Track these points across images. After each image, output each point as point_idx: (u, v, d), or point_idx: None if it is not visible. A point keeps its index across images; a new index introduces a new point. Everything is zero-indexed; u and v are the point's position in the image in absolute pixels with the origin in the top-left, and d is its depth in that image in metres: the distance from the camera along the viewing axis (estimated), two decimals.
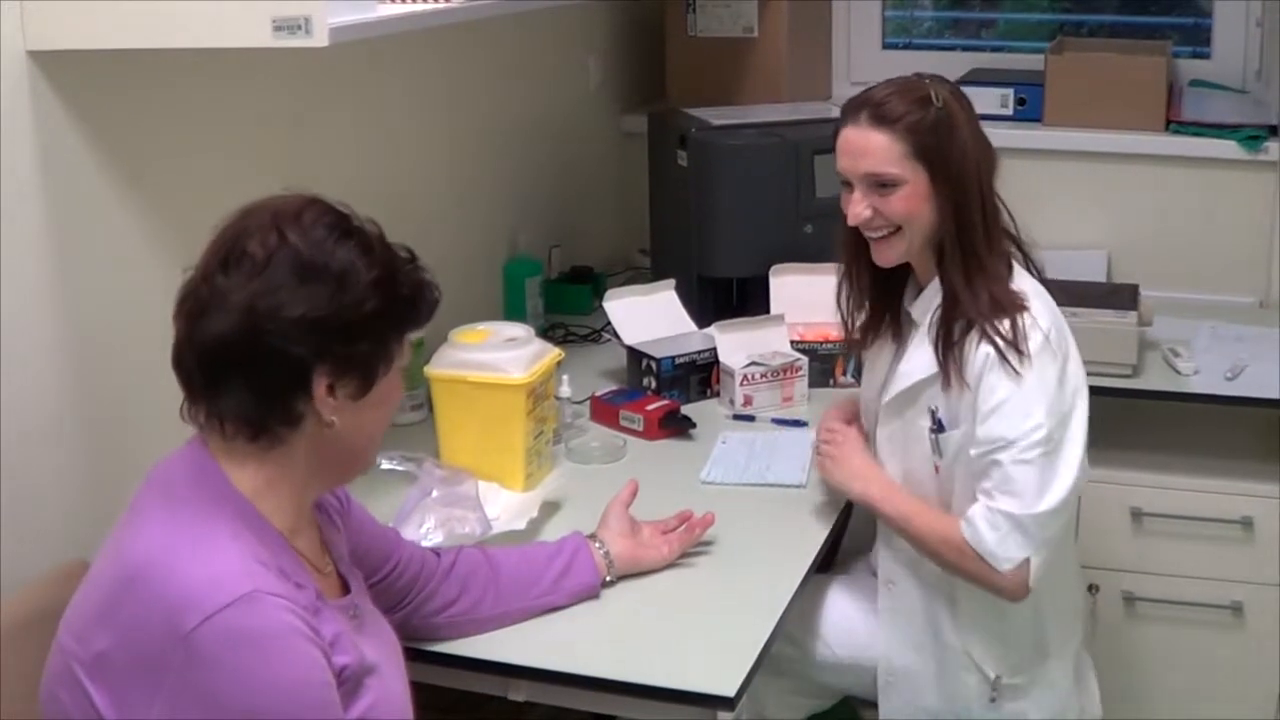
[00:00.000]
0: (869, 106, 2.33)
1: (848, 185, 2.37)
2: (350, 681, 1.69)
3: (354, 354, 1.68)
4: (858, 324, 2.53)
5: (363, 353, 1.69)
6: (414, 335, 1.81)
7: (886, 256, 2.39)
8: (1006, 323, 2.28)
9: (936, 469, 2.40)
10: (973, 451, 2.30)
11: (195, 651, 1.53)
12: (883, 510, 2.44)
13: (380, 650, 1.82)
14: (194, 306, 1.67)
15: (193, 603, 1.54)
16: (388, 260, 1.72)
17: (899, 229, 2.34)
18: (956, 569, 2.35)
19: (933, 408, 2.38)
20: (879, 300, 2.50)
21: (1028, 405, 2.26)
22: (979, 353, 2.29)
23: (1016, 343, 2.26)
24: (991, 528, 2.26)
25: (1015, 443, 2.25)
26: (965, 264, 2.31)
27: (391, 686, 1.80)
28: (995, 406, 2.27)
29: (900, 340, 2.49)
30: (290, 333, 1.63)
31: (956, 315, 2.33)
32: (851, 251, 2.46)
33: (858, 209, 2.35)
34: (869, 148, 2.32)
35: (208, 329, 1.65)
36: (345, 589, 1.86)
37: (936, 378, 2.36)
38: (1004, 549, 2.26)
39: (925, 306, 2.40)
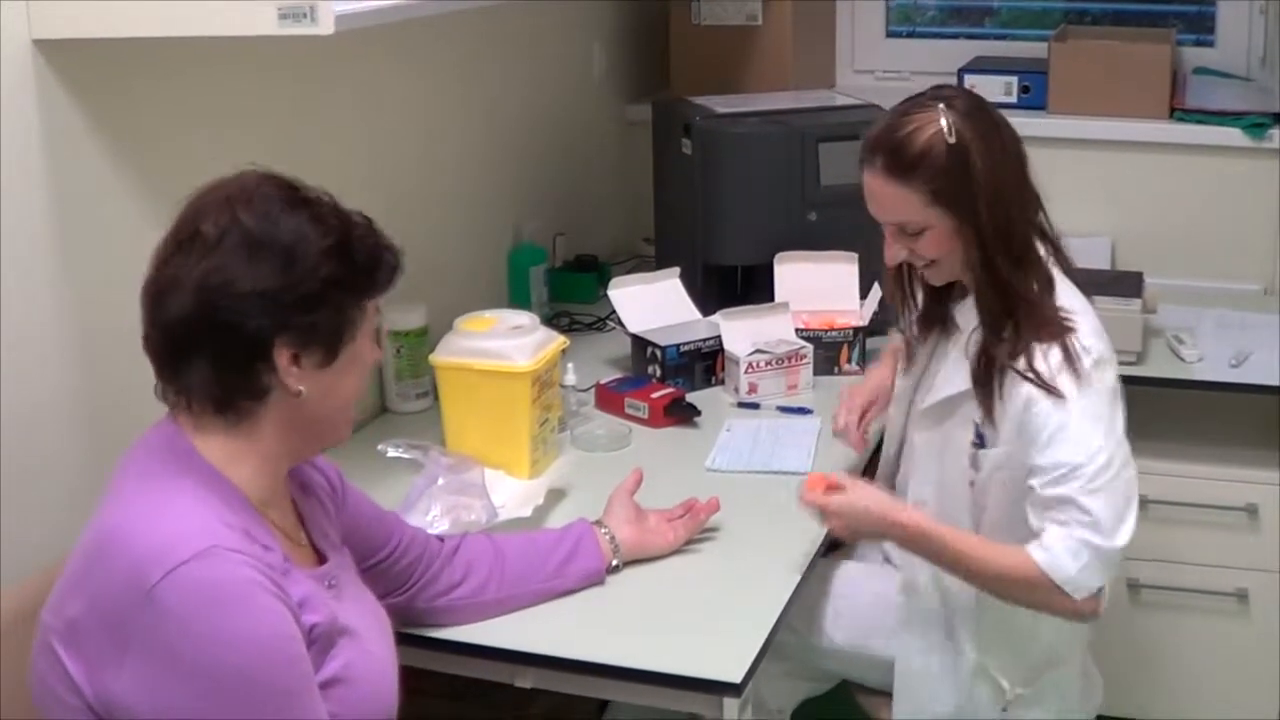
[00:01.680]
0: (883, 153, 2.27)
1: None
2: (321, 640, 1.70)
3: (313, 323, 1.69)
4: (913, 319, 2.51)
5: (322, 321, 1.70)
6: (378, 301, 1.79)
7: (934, 279, 2.39)
8: (1056, 351, 2.22)
9: (971, 483, 2.38)
10: (1034, 481, 2.22)
11: (158, 607, 1.54)
12: (930, 557, 2.34)
13: (360, 618, 1.82)
14: (154, 289, 1.69)
15: (153, 559, 1.56)
16: (341, 229, 1.72)
17: (936, 260, 2.33)
18: (1023, 599, 2.28)
19: (977, 420, 2.35)
20: (933, 294, 2.46)
21: (1087, 431, 2.20)
22: (1022, 389, 2.24)
23: (1072, 366, 2.21)
24: (1073, 557, 2.19)
25: (1081, 469, 2.19)
26: (998, 292, 2.27)
27: (371, 651, 1.81)
28: (1054, 434, 2.21)
29: (947, 335, 2.46)
30: (244, 307, 1.65)
31: (989, 353, 2.28)
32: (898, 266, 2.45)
33: (892, 253, 2.35)
34: (887, 199, 2.29)
35: (166, 310, 1.67)
36: (320, 561, 1.86)
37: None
38: (1085, 577, 2.20)
39: (968, 316, 2.37)
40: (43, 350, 2.13)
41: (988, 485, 2.34)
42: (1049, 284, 2.31)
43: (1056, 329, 2.25)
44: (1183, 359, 3.21)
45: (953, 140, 2.23)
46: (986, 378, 2.30)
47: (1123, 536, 2.21)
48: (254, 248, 1.66)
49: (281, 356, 1.68)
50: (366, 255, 1.74)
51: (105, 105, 2.19)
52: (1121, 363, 3.10)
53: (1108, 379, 2.27)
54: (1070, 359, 2.23)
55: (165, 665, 1.55)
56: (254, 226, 1.67)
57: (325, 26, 1.94)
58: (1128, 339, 3.15)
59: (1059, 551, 2.20)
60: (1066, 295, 2.33)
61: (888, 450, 2.62)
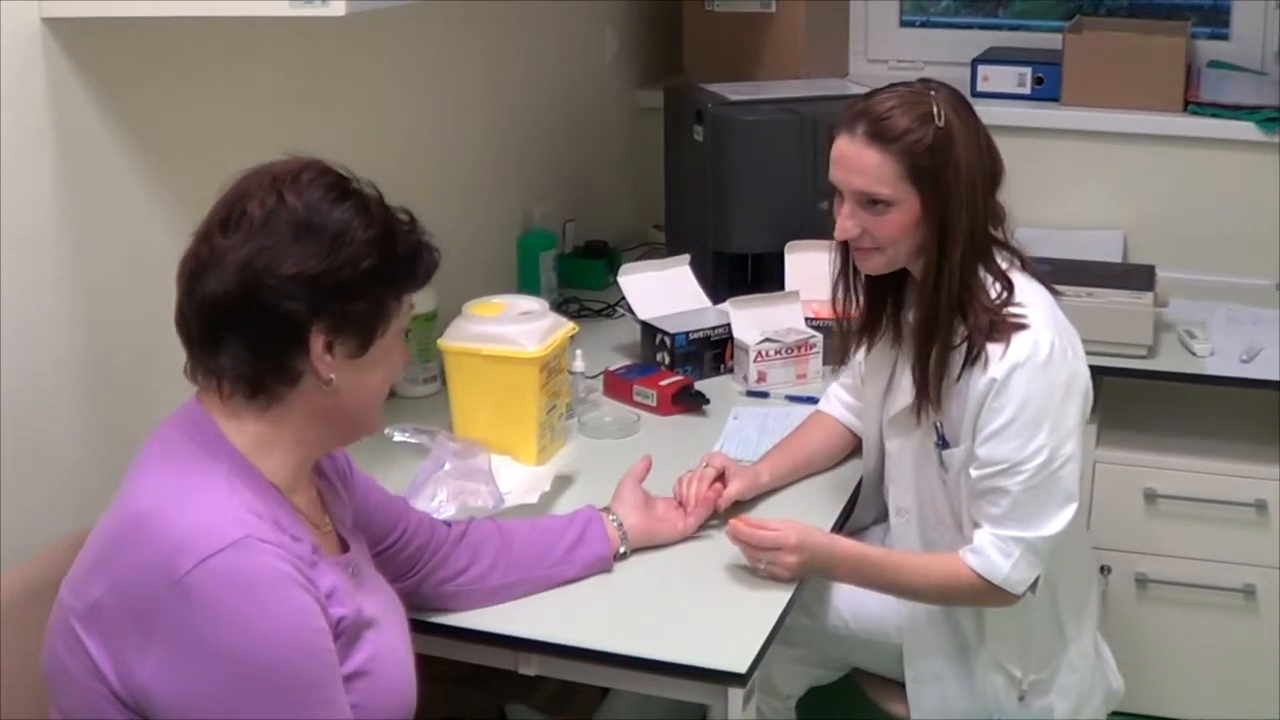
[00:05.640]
0: (867, 120, 2.22)
1: (839, 194, 2.29)
2: (348, 633, 1.71)
3: (350, 311, 1.70)
4: (854, 326, 2.48)
5: (359, 311, 1.71)
6: (414, 298, 1.81)
7: (868, 265, 2.33)
8: (1007, 349, 2.21)
9: (944, 482, 2.39)
10: (973, 472, 2.27)
11: (188, 595, 1.54)
12: (873, 581, 2.36)
13: (381, 608, 1.83)
14: (194, 267, 1.69)
15: (186, 547, 1.56)
16: (385, 220, 1.73)
17: (883, 247, 2.28)
18: (967, 603, 2.36)
19: (937, 424, 2.36)
20: (876, 302, 2.43)
21: (1031, 429, 2.21)
22: (973, 387, 2.25)
23: (1023, 363, 2.20)
24: (1004, 555, 2.24)
25: (1019, 466, 2.22)
26: (950, 286, 2.23)
27: (392, 642, 1.81)
28: (999, 429, 2.22)
29: (900, 345, 2.43)
30: (286, 289, 1.65)
31: (933, 353, 2.27)
32: (845, 251, 2.39)
33: (846, 224, 2.28)
34: (862, 165, 2.23)
35: (206, 288, 1.67)
36: (344, 548, 1.87)
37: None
38: (1018, 573, 2.25)
39: None
40: (47, 330, 2.13)
41: (958, 484, 2.35)
42: (1009, 288, 2.28)
43: (1008, 327, 2.24)
44: (1194, 353, 3.20)
45: (941, 124, 2.20)
46: (936, 380, 2.29)
47: (1053, 527, 2.25)
48: (300, 231, 1.67)
49: (316, 342, 1.68)
50: (408, 249, 1.76)
51: (114, 85, 2.18)
52: (1132, 356, 3.14)
53: (1063, 371, 2.25)
54: (1021, 356, 2.21)
55: (192, 654, 1.55)
56: (301, 210, 1.68)
57: (337, 8, 1.93)
58: (1139, 332, 3.14)
59: (990, 553, 2.25)
60: (1025, 290, 2.30)
61: (868, 463, 2.60)
